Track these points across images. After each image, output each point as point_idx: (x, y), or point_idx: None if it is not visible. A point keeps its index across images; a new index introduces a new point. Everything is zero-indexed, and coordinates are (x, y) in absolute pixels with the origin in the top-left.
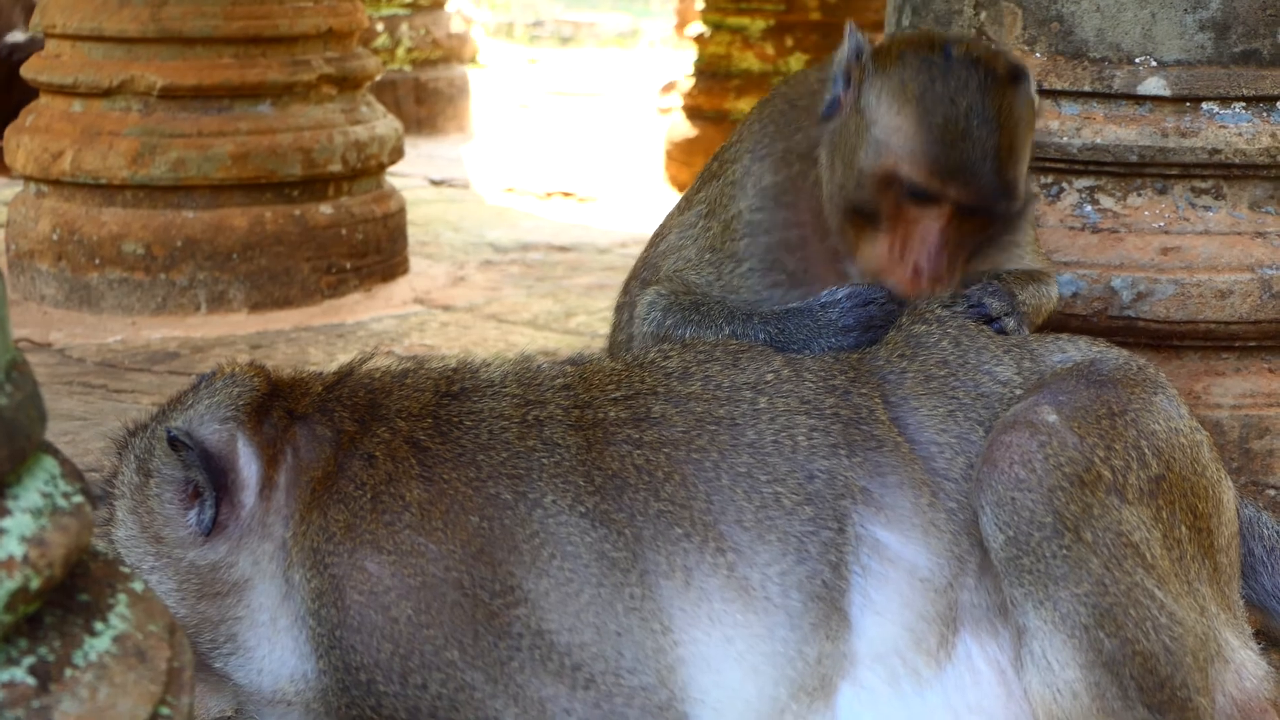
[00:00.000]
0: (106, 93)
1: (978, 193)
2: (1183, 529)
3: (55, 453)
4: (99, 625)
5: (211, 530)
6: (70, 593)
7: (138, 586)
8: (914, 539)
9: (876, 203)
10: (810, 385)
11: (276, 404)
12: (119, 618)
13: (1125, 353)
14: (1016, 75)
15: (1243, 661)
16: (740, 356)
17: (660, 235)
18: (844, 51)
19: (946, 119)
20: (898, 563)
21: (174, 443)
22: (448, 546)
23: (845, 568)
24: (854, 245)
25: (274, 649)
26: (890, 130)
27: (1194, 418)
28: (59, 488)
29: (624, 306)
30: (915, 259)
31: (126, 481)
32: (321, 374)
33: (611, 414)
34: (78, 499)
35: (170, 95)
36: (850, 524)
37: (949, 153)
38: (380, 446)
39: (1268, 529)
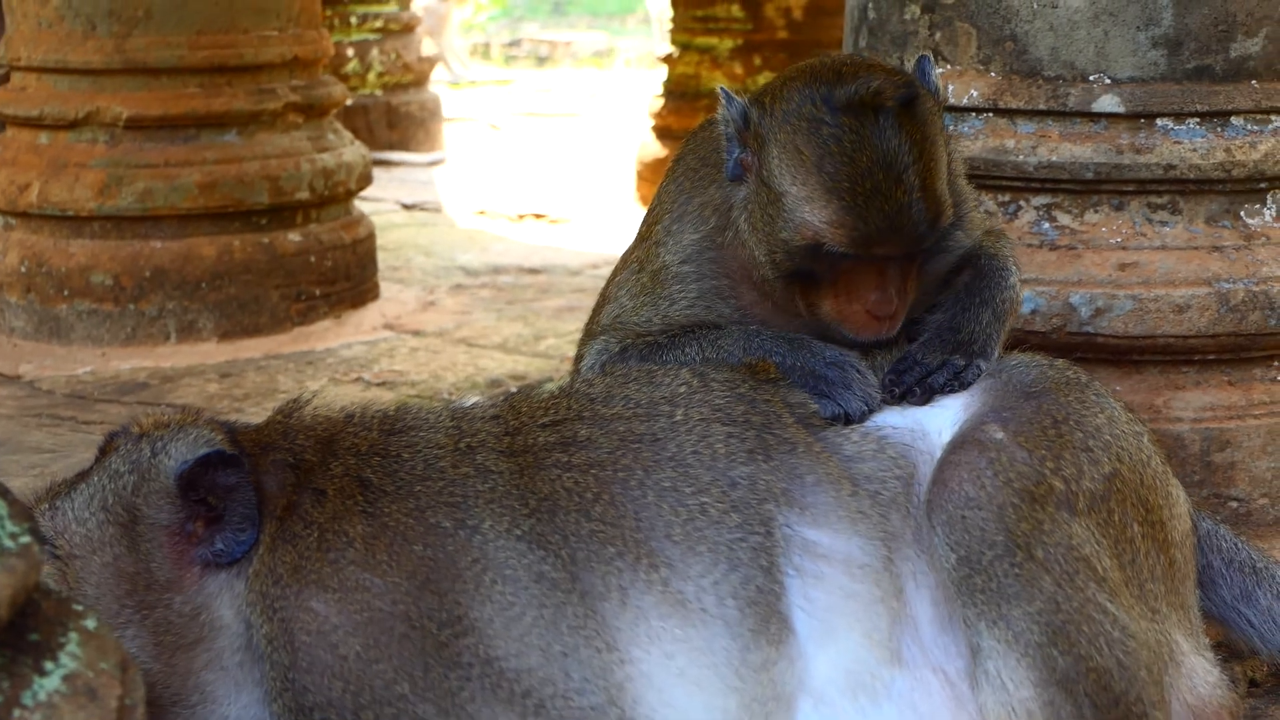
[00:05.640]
0: (73, 124)
1: (903, 242)
2: (1134, 527)
3: (4, 493)
4: (49, 664)
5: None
6: (20, 632)
7: (90, 624)
8: (842, 531)
9: (809, 267)
10: (719, 393)
11: (242, 439)
12: (70, 656)
13: (1035, 357)
14: (907, 100)
15: (1194, 667)
16: (655, 374)
17: (604, 294)
18: (724, 116)
19: (853, 182)
20: (831, 558)
21: (191, 475)
22: (393, 579)
23: (778, 570)
24: (801, 302)
25: (239, 696)
26: (800, 202)
27: (1125, 406)
28: (6, 529)
29: (579, 359)
30: (865, 306)
31: (91, 539)
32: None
33: (541, 439)
34: (25, 539)
35: (136, 126)
36: (776, 526)
37: (865, 218)
38: (332, 482)
39: (1225, 541)
